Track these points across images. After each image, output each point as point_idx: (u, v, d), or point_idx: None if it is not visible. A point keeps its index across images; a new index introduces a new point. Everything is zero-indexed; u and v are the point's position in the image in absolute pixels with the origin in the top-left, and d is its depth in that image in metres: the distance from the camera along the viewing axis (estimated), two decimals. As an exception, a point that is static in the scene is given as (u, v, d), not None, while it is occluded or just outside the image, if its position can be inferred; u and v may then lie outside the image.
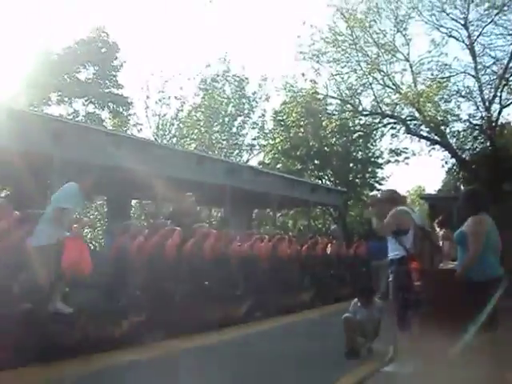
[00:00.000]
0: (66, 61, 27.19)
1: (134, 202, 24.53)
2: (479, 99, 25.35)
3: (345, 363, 6.42)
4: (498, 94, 24.68)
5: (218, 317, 9.05)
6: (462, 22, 25.34)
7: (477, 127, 25.69)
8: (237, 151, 35.76)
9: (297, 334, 8.81)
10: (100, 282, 7.94)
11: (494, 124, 24.84)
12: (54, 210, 6.84)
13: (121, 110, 30.23)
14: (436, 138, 26.31)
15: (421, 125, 26.80)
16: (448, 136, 26.40)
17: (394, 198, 6.38)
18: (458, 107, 26.70)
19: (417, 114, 26.32)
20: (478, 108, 25.66)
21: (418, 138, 27.55)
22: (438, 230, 8.57)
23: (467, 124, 26.20)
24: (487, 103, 24.98)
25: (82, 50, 27.82)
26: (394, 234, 6.01)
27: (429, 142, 27.11)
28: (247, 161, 34.71)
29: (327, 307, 11.81)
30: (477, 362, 5.41)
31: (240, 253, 10.57)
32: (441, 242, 8.11)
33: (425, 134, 27.00)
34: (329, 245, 15.12)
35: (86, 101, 29.30)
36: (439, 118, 26.21)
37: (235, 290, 9.81)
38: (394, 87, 26.91)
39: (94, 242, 25.11)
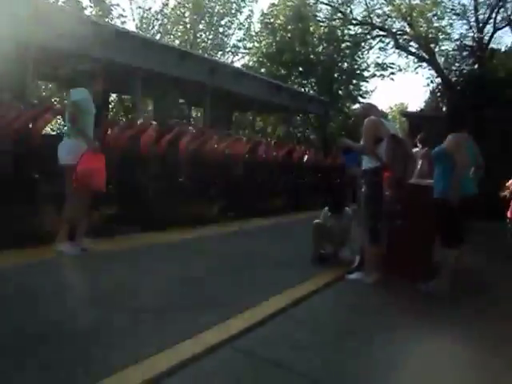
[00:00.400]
0: None
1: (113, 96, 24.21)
2: (473, 19, 24.82)
3: (311, 268, 6.49)
4: (493, 15, 24.08)
5: (190, 215, 9.06)
6: None
7: (467, 48, 25.22)
8: (221, 52, 34.99)
9: (266, 236, 8.88)
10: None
11: (485, 46, 24.44)
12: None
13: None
14: (424, 55, 25.89)
15: (410, 40, 26.27)
16: (436, 55, 26.00)
17: (370, 111, 6.16)
18: (451, 26, 26.25)
19: (408, 29, 25.76)
20: (470, 28, 25.17)
21: (406, 54, 27.09)
22: (418, 148, 8.53)
23: (458, 44, 25.75)
24: (481, 24, 24.45)
25: None
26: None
27: (416, 59, 26.72)
28: (231, 62, 34.02)
29: (299, 214, 11.87)
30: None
31: (216, 153, 10.48)
32: (420, 161, 8.11)
33: (413, 50, 26.54)
34: (306, 153, 15.10)
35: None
36: (430, 35, 25.67)
37: (209, 189, 9.78)
38: (387, -2, 26.20)
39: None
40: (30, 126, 7.40)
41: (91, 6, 28.84)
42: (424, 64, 26.31)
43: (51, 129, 20.30)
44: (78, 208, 6.08)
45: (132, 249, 6.86)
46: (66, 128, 6.30)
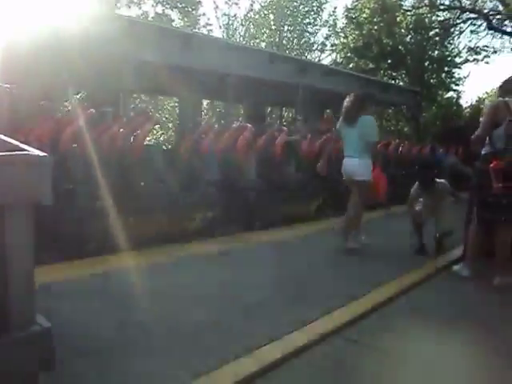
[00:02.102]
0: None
1: (205, 102, 24.79)
2: None
3: (411, 260, 6.52)
4: None
5: (289, 214, 9.22)
6: None
7: None
8: (308, 51, 35.05)
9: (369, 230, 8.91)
10: (175, 179, 8.16)
11: None
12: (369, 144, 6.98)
13: (190, 9, 29.99)
14: (522, 33, 24.85)
15: (505, 20, 25.22)
16: (535, 32, 24.90)
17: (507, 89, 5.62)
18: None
19: (501, 8, 24.76)
20: None
21: (500, 34, 26.00)
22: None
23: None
24: None
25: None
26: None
27: (512, 39, 25.68)
28: (319, 60, 33.99)
29: (398, 207, 11.74)
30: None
31: (310, 152, 10.56)
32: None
33: (509, 30, 25.49)
34: (401, 145, 14.90)
35: (154, 2, 29.17)
36: (527, 11, 24.59)
37: (306, 187, 9.88)
38: (476, -23, 25.33)
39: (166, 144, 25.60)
40: (134, 136, 7.78)
41: (179, 18, 29.80)
42: (522, 43, 25.27)
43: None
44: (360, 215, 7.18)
45: (233, 248, 7.09)
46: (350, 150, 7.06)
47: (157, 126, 9.71)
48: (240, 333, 3.82)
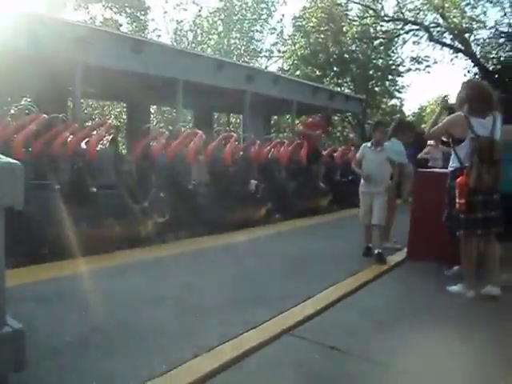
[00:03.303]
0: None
1: (152, 108, 24.75)
2: (507, 4, 24.64)
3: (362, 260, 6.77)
4: (529, -1, 23.87)
5: (238, 219, 9.35)
6: None
7: (503, 34, 25.06)
8: (255, 58, 35.41)
9: (316, 234, 9.12)
10: (125, 183, 8.19)
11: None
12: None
13: (138, 15, 29.92)
14: (459, 46, 25.78)
15: (444, 32, 26.23)
16: (472, 44, 25.89)
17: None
18: (485, 14, 26.31)
19: (441, 21, 25.75)
20: (505, 14, 25.02)
21: (440, 46, 27.02)
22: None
23: (493, 31, 25.57)
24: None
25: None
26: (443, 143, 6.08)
27: (452, 50, 26.64)
28: (266, 67, 34.37)
29: (344, 211, 12.04)
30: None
31: (260, 156, 10.75)
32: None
33: (448, 42, 26.50)
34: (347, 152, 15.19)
35: (103, 6, 28.97)
36: (464, 25, 25.58)
37: (255, 192, 10.04)
38: (418, -9, 26.17)
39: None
40: (86, 141, 7.81)
41: (128, 23, 29.68)
42: (460, 54, 26.20)
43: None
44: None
45: (183, 253, 7.17)
46: None
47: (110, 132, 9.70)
48: (193, 333, 3.95)
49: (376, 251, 6.73)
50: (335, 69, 30.09)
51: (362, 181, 7.02)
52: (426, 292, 5.50)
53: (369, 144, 7.02)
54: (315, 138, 12.55)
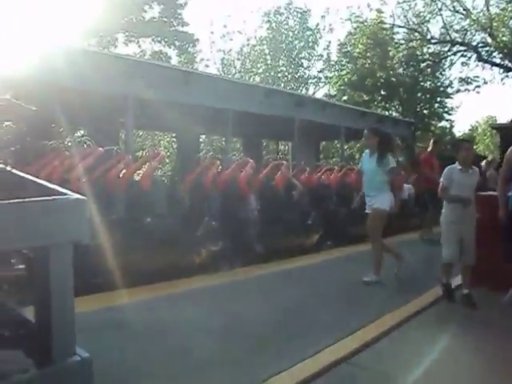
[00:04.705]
0: (131, 1, 27.48)
1: (202, 137, 25.11)
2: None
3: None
4: None
5: (290, 246, 9.39)
6: None
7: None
8: (303, 84, 35.61)
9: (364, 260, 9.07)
10: (177, 214, 8.32)
11: None
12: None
13: (187, 47, 30.58)
14: (510, 64, 25.40)
15: (493, 51, 25.90)
16: (523, 63, 25.50)
17: None
18: (534, 31, 25.65)
19: (489, 40, 25.45)
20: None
21: (490, 66, 26.65)
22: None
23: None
24: None
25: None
26: None
27: (502, 70, 26.22)
28: (313, 93, 34.52)
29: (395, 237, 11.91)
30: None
31: (310, 183, 10.80)
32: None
33: (497, 61, 26.11)
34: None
35: (152, 40, 29.70)
36: (514, 44, 25.23)
37: (306, 219, 10.07)
38: (464, 12, 26.00)
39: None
40: (140, 173, 8.01)
41: (177, 55, 30.33)
42: (510, 74, 25.78)
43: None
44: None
45: (236, 282, 7.22)
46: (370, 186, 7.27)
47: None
48: (250, 365, 3.97)
49: (465, 291, 6.13)
50: (382, 93, 29.96)
51: (445, 210, 6.27)
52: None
53: (457, 166, 6.15)
54: None
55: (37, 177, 2.58)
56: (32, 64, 8.15)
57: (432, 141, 11.12)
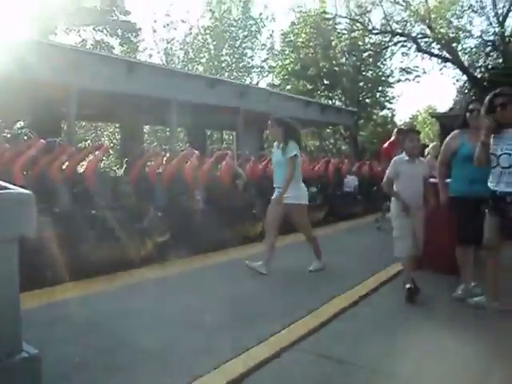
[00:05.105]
0: (71, -10, 26.95)
1: (146, 127, 24.88)
2: (492, 14, 25.05)
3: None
4: (512, 8, 24.22)
5: (236, 235, 9.43)
6: None
7: (489, 43, 25.40)
8: (246, 74, 35.65)
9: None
10: (123, 205, 8.26)
11: (507, 40, 24.57)
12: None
13: (129, 36, 30.18)
14: (447, 55, 26.08)
15: (432, 42, 26.56)
16: (459, 53, 26.20)
17: None
18: (471, 23, 26.60)
19: (428, 32, 26.06)
20: (491, 24, 25.42)
21: (428, 56, 27.35)
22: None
23: (479, 40, 25.92)
24: (501, 18, 24.63)
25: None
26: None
27: (440, 60, 26.94)
28: (257, 83, 34.62)
29: (339, 224, 12.09)
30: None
31: (254, 173, 10.84)
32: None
33: (436, 52, 26.82)
34: (341, 164, 15.22)
35: (93, 29, 29.18)
36: (451, 35, 25.92)
37: (249, 209, 10.12)
38: (404, 4, 26.57)
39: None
40: (84, 164, 7.92)
41: (120, 45, 29.88)
42: (448, 64, 26.49)
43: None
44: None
45: (183, 273, 7.23)
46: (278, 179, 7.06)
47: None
48: (204, 350, 4.01)
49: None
50: (326, 82, 30.32)
51: (393, 204, 6.00)
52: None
53: (404, 156, 5.93)
54: None
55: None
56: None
57: (395, 130, 10.63)
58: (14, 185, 2.31)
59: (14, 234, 2.18)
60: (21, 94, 11.21)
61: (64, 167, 7.82)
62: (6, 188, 2.27)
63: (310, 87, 29.87)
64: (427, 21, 25.05)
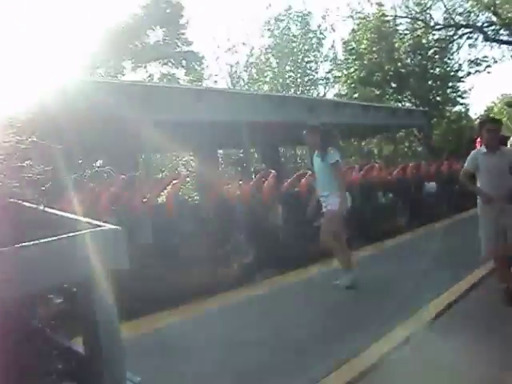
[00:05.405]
0: (134, 28, 27.81)
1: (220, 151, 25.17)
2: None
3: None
4: None
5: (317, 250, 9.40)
6: None
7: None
8: (313, 87, 35.56)
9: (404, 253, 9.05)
10: (206, 231, 8.39)
11: None
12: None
13: (194, 65, 30.85)
14: (517, 40, 25.25)
15: (499, 29, 25.75)
16: (531, 37, 25.30)
17: None
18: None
19: (494, 19, 25.28)
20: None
21: (497, 44, 26.47)
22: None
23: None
24: None
25: (148, 14, 28.37)
26: None
27: (510, 47, 26.03)
28: (324, 94, 34.48)
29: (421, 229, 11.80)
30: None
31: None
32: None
33: (505, 39, 25.91)
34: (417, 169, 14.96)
35: (159, 63, 30.02)
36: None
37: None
38: (465, -6, 25.88)
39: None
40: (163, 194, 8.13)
41: (185, 75, 30.58)
42: (520, 49, 25.60)
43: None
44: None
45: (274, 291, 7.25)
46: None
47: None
48: (297, 369, 4.02)
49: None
50: (393, 85, 29.88)
51: (479, 201, 5.75)
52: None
53: (483, 149, 5.65)
54: None
55: (68, 212, 2.66)
56: (48, 98, 8.31)
57: (478, 122, 10.32)
58: (102, 221, 2.40)
59: (108, 267, 2.26)
60: (97, 132, 11.59)
61: (145, 200, 8.06)
62: (97, 226, 2.36)
63: (378, 92, 29.49)
64: (492, 8, 24.28)
